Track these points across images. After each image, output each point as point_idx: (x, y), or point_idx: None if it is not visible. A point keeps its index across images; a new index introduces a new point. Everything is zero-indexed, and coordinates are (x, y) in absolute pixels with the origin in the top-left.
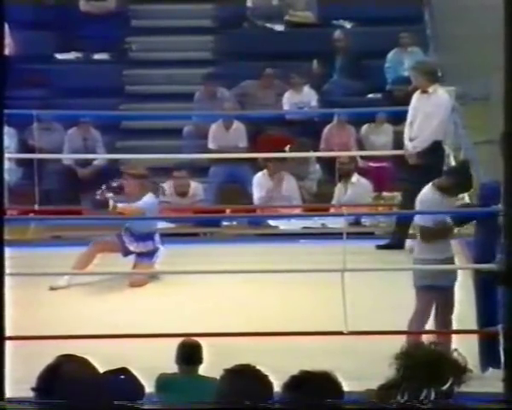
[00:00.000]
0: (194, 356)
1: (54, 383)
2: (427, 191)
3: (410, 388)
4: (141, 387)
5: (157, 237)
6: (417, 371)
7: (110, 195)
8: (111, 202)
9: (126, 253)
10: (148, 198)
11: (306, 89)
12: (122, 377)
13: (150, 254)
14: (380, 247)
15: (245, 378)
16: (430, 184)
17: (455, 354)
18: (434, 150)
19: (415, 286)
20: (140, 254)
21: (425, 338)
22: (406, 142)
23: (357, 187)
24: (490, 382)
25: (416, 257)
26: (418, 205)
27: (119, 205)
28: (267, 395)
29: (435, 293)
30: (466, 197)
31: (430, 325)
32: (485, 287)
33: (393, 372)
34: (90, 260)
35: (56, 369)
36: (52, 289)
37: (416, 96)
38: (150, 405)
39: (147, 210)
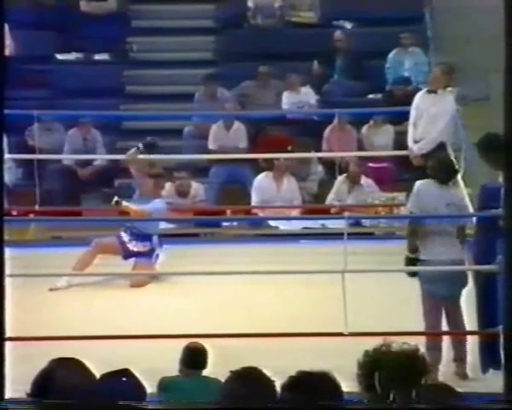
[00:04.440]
0: (199, 361)
1: (47, 388)
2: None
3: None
4: (142, 388)
5: (155, 239)
6: (393, 375)
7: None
8: (115, 197)
9: (126, 255)
10: (158, 203)
11: (304, 88)
12: (123, 378)
13: (148, 255)
14: None
15: (250, 381)
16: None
17: (419, 352)
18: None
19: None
20: (138, 254)
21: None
22: (411, 143)
23: (366, 189)
24: (490, 382)
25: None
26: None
27: (125, 203)
28: (271, 398)
29: None
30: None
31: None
32: (485, 288)
33: (367, 377)
34: (90, 261)
35: (50, 374)
36: (51, 290)
37: (419, 96)
38: (152, 406)
39: (153, 214)
